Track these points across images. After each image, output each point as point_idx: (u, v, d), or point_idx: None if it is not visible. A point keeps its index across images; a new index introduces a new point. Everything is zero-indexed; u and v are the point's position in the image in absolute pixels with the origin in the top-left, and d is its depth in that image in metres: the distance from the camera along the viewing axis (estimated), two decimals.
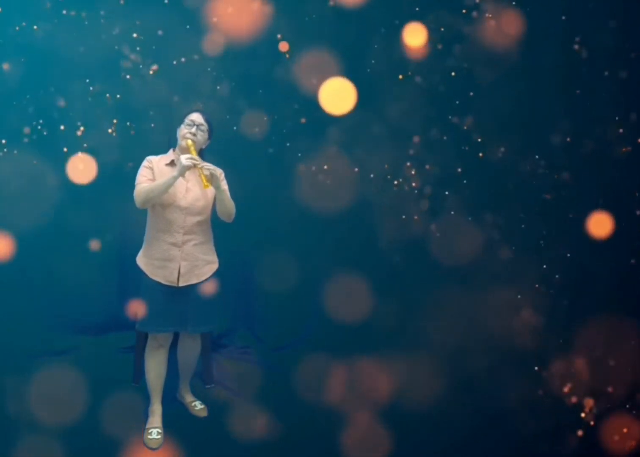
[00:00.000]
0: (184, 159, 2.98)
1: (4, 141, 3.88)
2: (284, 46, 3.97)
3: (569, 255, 4.08)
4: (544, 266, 4.12)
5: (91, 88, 3.96)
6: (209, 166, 3.06)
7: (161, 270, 3.10)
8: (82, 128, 3.96)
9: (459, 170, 4.17)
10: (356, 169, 4.17)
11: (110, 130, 3.98)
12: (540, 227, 4.14)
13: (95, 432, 3.03)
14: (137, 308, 3.16)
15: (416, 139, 4.15)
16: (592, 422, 3.39)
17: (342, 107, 3.87)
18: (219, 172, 3.19)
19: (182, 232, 3.10)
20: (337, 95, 3.84)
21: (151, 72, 3.95)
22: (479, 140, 4.15)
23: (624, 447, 3.22)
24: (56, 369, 3.50)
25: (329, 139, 4.15)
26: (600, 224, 3.89)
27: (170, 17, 3.96)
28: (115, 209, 3.86)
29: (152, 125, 3.99)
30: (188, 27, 3.97)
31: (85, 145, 3.94)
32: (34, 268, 3.88)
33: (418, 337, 3.88)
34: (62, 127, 3.95)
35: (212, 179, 3.03)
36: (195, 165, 3.00)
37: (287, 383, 3.60)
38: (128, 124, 4.01)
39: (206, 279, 3.16)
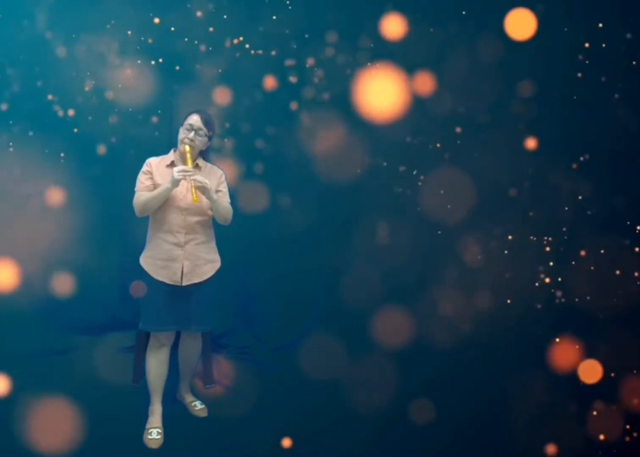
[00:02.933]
0: (176, 173, 2.96)
1: None
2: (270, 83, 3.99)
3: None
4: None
5: (89, 86, 3.97)
6: (200, 179, 2.98)
7: (164, 270, 3.11)
8: (79, 127, 3.97)
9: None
10: (357, 170, 4.18)
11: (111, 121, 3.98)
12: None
13: (95, 432, 3.03)
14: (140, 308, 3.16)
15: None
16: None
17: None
18: (219, 175, 3.20)
19: (184, 232, 3.10)
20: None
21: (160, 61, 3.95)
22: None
23: None
24: (56, 369, 3.50)
25: (327, 136, 4.16)
26: None
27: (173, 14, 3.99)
28: (115, 208, 3.87)
29: (155, 120, 4.00)
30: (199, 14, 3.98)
31: (85, 143, 3.96)
32: (33, 268, 3.87)
33: (419, 338, 3.89)
34: (58, 126, 3.95)
35: (203, 191, 3.00)
36: (186, 178, 2.97)
37: (287, 383, 3.60)
38: (128, 120, 4.01)
39: (209, 278, 3.17)
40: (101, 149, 3.98)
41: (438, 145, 4.17)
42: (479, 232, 4.18)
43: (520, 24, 3.96)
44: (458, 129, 4.17)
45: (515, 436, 3.27)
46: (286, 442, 3.14)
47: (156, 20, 3.95)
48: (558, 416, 3.44)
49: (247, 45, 4.08)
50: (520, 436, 3.27)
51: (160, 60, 4.00)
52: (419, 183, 4.20)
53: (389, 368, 3.68)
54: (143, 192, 3.08)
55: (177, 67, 4.02)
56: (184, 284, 3.11)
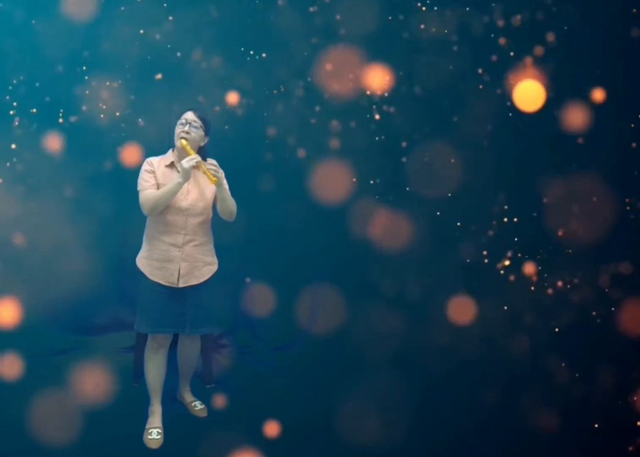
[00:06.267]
0: (185, 163, 2.96)
1: None
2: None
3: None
4: None
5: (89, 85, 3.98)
6: (211, 161, 3.12)
7: (161, 271, 3.09)
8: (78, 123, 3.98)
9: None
10: (355, 167, 4.19)
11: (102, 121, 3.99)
12: None
13: (95, 432, 3.03)
14: (136, 309, 3.16)
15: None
16: None
17: None
18: (220, 173, 3.19)
19: (183, 233, 3.09)
20: None
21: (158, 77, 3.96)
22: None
23: None
24: (56, 369, 3.50)
25: (330, 137, 4.17)
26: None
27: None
28: (115, 208, 3.87)
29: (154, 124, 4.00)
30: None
31: (84, 143, 3.96)
32: (33, 268, 3.88)
33: (419, 338, 3.90)
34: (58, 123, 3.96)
35: (215, 175, 3.00)
36: (197, 164, 2.99)
37: (286, 383, 3.60)
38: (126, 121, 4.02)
39: (206, 281, 3.15)
40: (101, 150, 3.98)
41: None
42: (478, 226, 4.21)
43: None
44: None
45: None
46: (287, 442, 3.14)
47: (171, 17, 3.97)
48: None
49: (251, 52, 4.10)
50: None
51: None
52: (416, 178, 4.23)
53: (390, 367, 3.68)
54: (150, 190, 3.06)
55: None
56: (180, 285, 3.09)
